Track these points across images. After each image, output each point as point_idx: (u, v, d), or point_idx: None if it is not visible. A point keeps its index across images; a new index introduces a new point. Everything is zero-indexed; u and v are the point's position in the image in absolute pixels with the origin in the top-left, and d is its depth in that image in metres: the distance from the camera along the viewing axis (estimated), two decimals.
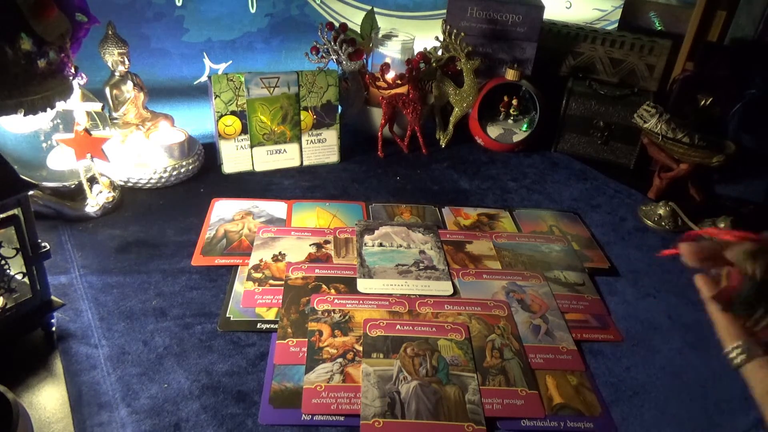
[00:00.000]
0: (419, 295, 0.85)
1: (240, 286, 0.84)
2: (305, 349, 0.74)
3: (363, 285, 0.86)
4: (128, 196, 1.03)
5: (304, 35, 1.43)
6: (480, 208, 1.10)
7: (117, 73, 1.04)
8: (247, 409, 0.66)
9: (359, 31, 1.35)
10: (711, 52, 1.28)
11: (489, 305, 0.84)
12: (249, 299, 0.82)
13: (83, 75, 0.91)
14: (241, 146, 1.13)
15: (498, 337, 0.78)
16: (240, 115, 1.11)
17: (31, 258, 0.68)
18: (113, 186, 1.01)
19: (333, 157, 1.22)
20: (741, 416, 0.71)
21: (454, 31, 1.21)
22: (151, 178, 1.05)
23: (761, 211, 1.14)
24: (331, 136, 1.20)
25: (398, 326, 0.78)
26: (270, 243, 0.94)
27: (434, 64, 1.26)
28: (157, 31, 1.27)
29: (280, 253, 0.92)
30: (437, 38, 1.25)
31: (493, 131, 1.34)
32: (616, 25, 1.62)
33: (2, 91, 0.75)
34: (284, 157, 1.18)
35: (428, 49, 1.28)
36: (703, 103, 1.21)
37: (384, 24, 1.40)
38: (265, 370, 0.71)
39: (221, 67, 1.38)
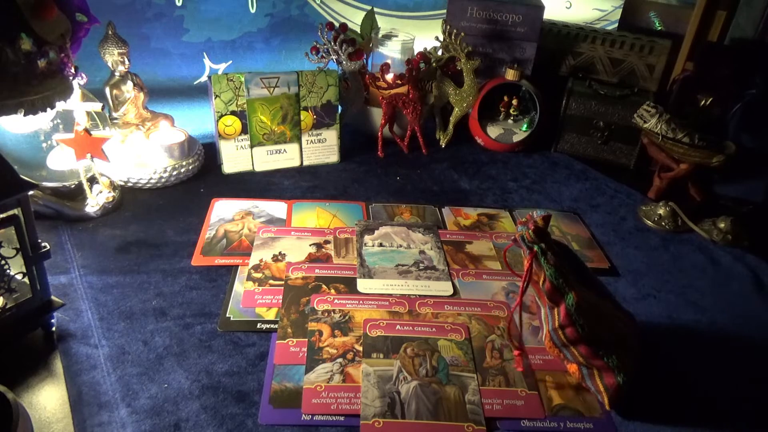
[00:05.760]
0: (419, 296, 0.85)
1: (240, 286, 0.84)
2: (305, 349, 0.74)
3: (363, 285, 0.86)
4: (128, 196, 1.03)
5: (304, 35, 1.43)
6: (480, 208, 1.10)
7: (117, 73, 1.04)
8: (247, 409, 0.66)
9: (359, 31, 1.35)
10: (711, 52, 1.28)
11: (489, 306, 0.84)
12: (249, 299, 0.82)
13: (83, 75, 0.91)
14: (241, 146, 1.13)
15: (498, 337, 0.79)
16: (240, 115, 1.11)
17: (31, 258, 0.68)
18: (113, 186, 1.01)
19: (333, 157, 1.22)
20: (740, 417, 0.71)
21: (454, 31, 1.21)
22: (151, 178, 1.05)
23: (761, 211, 1.14)
24: (331, 136, 1.20)
25: (398, 326, 0.78)
26: (270, 243, 0.94)
27: (434, 64, 1.26)
28: (157, 31, 1.27)
29: (280, 253, 0.92)
30: (437, 38, 1.25)
31: (493, 131, 1.34)
32: (616, 25, 1.62)
33: (2, 91, 0.75)
34: (284, 157, 1.18)
35: (428, 49, 1.28)
36: (703, 103, 1.21)
37: (384, 24, 1.40)
38: (265, 370, 0.71)
39: (221, 67, 1.38)
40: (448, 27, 1.22)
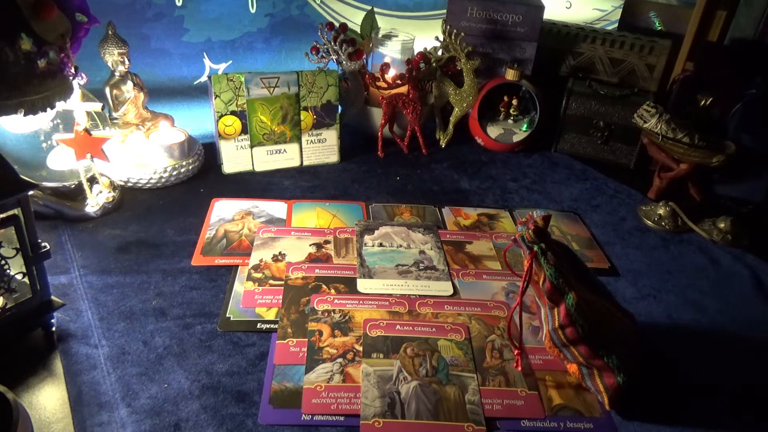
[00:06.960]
0: (419, 296, 0.85)
1: (240, 286, 0.84)
2: (305, 349, 0.74)
3: (363, 285, 0.86)
4: (128, 196, 1.03)
5: (304, 35, 1.43)
6: (480, 208, 1.10)
7: (117, 73, 1.05)
8: (247, 409, 0.66)
9: (359, 31, 1.35)
10: (711, 52, 1.28)
11: (489, 306, 0.84)
12: (249, 299, 0.82)
13: (83, 75, 0.91)
14: (241, 146, 1.13)
15: (498, 337, 0.79)
16: (240, 115, 1.11)
17: (31, 258, 0.68)
18: (113, 186, 1.01)
19: (333, 157, 1.22)
20: (740, 417, 0.71)
21: (454, 31, 1.21)
22: (151, 178, 1.05)
23: (761, 211, 1.14)
24: (331, 136, 1.20)
25: (398, 326, 0.78)
26: (270, 243, 0.94)
27: (434, 64, 1.26)
28: (157, 31, 1.27)
29: (280, 253, 0.92)
30: (437, 38, 1.25)
31: (493, 131, 1.34)
32: (616, 25, 1.62)
33: (2, 91, 0.75)
34: (284, 157, 1.18)
35: (428, 49, 1.28)
36: (703, 103, 1.21)
37: (384, 24, 1.40)
38: (265, 370, 0.71)
39: (221, 67, 1.38)
40: (448, 27, 1.22)
